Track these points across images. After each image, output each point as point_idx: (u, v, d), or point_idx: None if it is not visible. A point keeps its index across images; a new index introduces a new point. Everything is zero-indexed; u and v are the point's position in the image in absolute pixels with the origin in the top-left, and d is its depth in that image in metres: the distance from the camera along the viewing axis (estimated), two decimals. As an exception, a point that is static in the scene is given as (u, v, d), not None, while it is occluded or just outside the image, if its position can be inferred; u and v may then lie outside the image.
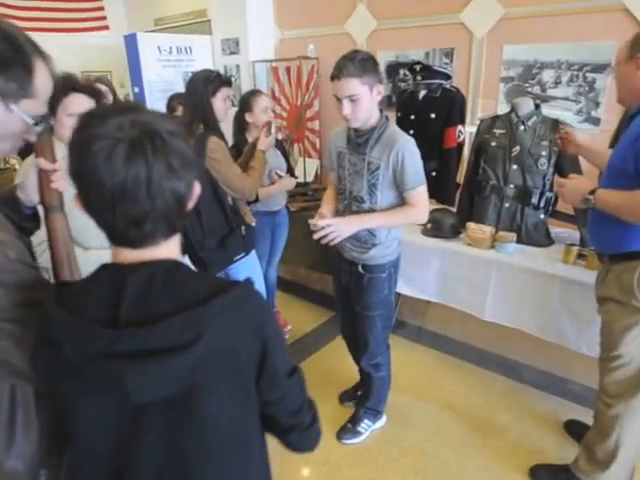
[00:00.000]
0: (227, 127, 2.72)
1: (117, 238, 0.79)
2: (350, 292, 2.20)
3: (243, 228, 2.31)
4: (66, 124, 1.72)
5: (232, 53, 4.52)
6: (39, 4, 5.07)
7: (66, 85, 1.73)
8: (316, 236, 1.82)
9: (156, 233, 0.77)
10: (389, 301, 2.17)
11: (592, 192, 1.76)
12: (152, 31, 5.23)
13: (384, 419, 2.55)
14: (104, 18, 5.34)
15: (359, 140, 1.89)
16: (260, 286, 2.51)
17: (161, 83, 4.38)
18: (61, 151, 1.73)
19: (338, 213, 2.09)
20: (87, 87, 1.78)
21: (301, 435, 0.94)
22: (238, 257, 2.31)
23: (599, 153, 2.16)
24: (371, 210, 1.95)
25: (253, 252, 2.45)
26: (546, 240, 2.67)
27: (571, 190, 1.85)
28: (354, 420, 2.48)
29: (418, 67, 2.78)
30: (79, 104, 1.73)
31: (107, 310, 0.76)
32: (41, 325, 0.80)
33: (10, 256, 0.94)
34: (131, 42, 4.21)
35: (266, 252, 3.00)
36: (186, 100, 2.28)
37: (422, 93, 2.81)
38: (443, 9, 3.60)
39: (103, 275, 0.81)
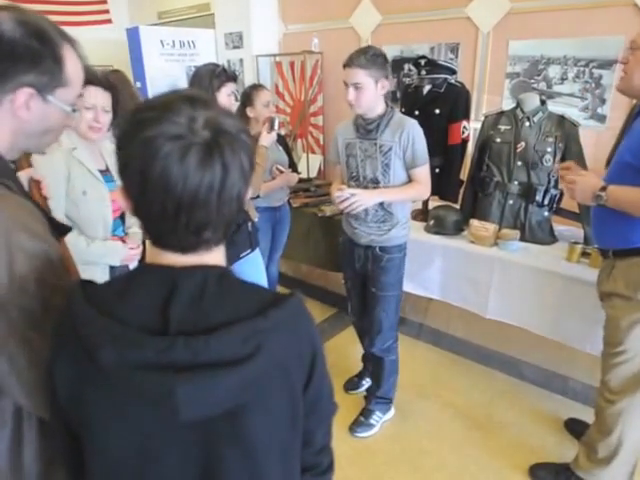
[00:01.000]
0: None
1: (167, 243, 0.72)
2: (367, 276, 2.32)
3: (250, 224, 2.30)
4: (82, 117, 1.75)
5: (235, 47, 4.51)
6: (42, -3, 5.06)
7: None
8: (341, 206, 2.03)
9: (212, 240, 0.72)
10: (402, 282, 2.36)
11: (603, 189, 1.75)
12: (155, 25, 5.22)
13: (392, 410, 2.57)
14: (106, 11, 5.33)
15: (369, 127, 2.09)
16: (263, 282, 2.51)
17: (164, 77, 4.38)
18: (77, 143, 1.75)
19: None
20: (103, 80, 1.80)
21: (314, 479, 0.88)
22: (245, 253, 2.32)
23: None
24: (386, 189, 2.14)
25: (257, 250, 2.45)
26: (550, 238, 2.67)
27: (582, 187, 1.83)
28: (366, 413, 2.52)
29: (423, 62, 2.77)
30: (96, 96, 1.76)
31: (154, 316, 0.69)
32: (63, 328, 0.73)
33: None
34: (134, 36, 4.21)
35: (267, 248, 3.00)
36: None
37: (426, 88, 2.79)
38: (449, 3, 3.59)
39: (148, 277, 0.73)
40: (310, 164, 4.50)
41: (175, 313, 0.68)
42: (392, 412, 2.57)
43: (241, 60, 4.55)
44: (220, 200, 0.66)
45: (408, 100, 2.91)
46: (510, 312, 2.59)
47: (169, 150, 0.63)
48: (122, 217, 2.01)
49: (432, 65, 2.75)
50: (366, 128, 2.11)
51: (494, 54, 3.45)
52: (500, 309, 2.61)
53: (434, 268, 2.80)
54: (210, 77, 2.20)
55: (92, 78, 1.73)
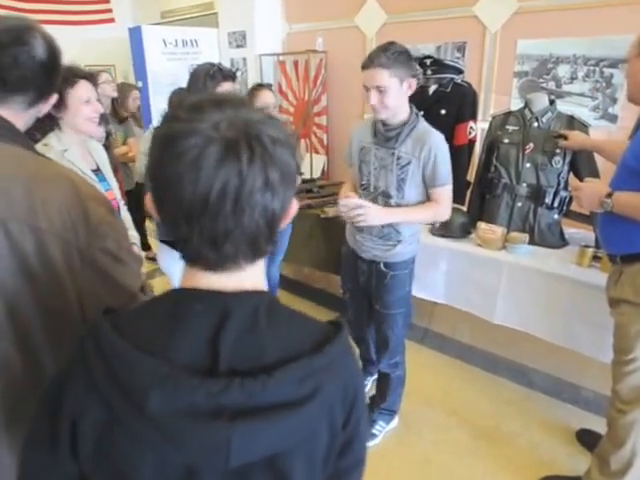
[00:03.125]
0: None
1: (191, 256, 0.66)
2: (370, 292, 2.20)
3: None
4: (82, 112, 1.73)
5: (239, 46, 4.49)
6: (43, -4, 5.06)
7: (71, 75, 1.72)
8: (347, 215, 1.86)
9: (238, 256, 0.64)
10: (409, 298, 2.22)
11: (609, 195, 1.73)
12: (158, 24, 5.21)
13: (396, 420, 2.51)
14: (110, 11, 5.32)
15: (389, 134, 1.89)
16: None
17: (166, 76, 4.36)
18: (71, 143, 1.72)
19: None
20: (85, 72, 1.79)
21: None
22: None
23: (607, 147, 2.21)
24: (398, 205, 1.97)
25: None
26: (560, 241, 2.61)
27: (587, 194, 1.82)
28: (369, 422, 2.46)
29: (428, 61, 2.73)
30: (88, 89, 1.75)
31: (201, 350, 0.62)
32: (90, 366, 0.64)
33: None
34: (136, 35, 4.19)
35: None
36: (188, 95, 2.23)
37: (432, 88, 2.75)
38: (455, 2, 3.55)
39: (194, 304, 0.65)
40: (314, 164, 4.46)
41: (226, 348, 0.61)
42: (396, 421, 2.51)
43: (244, 59, 4.53)
44: (236, 208, 0.59)
45: (413, 100, 2.84)
46: (518, 317, 2.53)
47: (183, 149, 0.58)
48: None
49: (438, 65, 2.71)
50: (385, 135, 1.92)
51: (502, 53, 3.41)
52: (508, 314, 2.56)
53: (440, 271, 2.75)
54: (204, 78, 2.13)
55: (77, 72, 1.72)
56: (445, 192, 1.95)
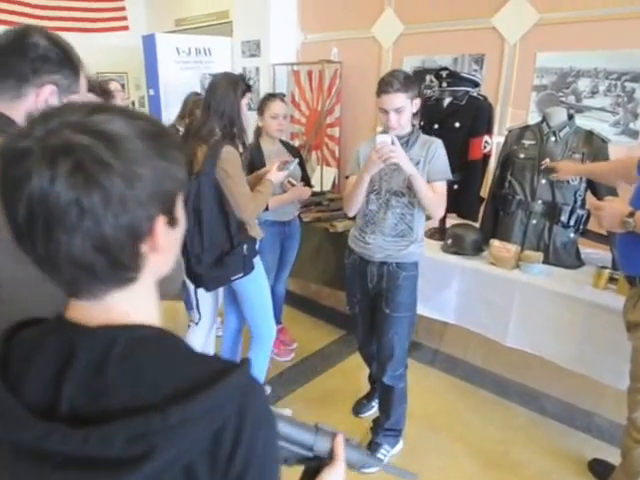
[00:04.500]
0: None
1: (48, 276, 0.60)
2: (380, 295, 2.26)
3: (245, 247, 2.19)
4: None
5: (252, 55, 4.52)
6: (59, 3, 5.16)
7: None
8: (380, 152, 1.95)
9: (78, 283, 0.59)
10: (416, 304, 2.31)
11: (631, 214, 1.70)
12: (172, 32, 5.28)
13: (401, 443, 2.46)
14: (125, 18, 5.42)
15: (399, 142, 2.08)
16: (267, 302, 2.43)
17: (178, 85, 4.39)
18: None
19: (371, 213, 2.22)
20: (95, 86, 1.78)
21: None
22: (236, 277, 2.21)
23: (602, 170, 2.21)
24: (410, 203, 2.15)
25: (260, 265, 2.38)
26: (576, 261, 2.56)
27: (609, 213, 1.78)
28: (373, 446, 2.40)
29: (444, 73, 2.71)
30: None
31: (47, 389, 0.58)
32: None
33: None
34: (149, 43, 4.25)
35: (274, 265, 2.92)
36: (209, 105, 2.13)
37: (447, 101, 2.73)
38: (474, 13, 3.54)
39: (49, 339, 0.61)
40: (324, 177, 4.45)
41: (69, 388, 0.57)
42: (400, 445, 2.46)
43: (257, 69, 4.56)
44: (48, 234, 0.53)
45: (428, 113, 2.84)
46: (531, 340, 2.48)
47: (4, 156, 0.54)
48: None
49: (454, 77, 2.69)
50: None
51: (521, 66, 3.38)
52: (520, 336, 2.50)
53: (450, 290, 2.71)
54: (235, 87, 2.11)
55: (89, 85, 1.71)
56: (441, 187, 2.16)
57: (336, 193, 4.22)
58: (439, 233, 2.94)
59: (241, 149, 2.17)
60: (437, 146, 2.16)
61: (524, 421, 2.63)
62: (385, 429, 2.41)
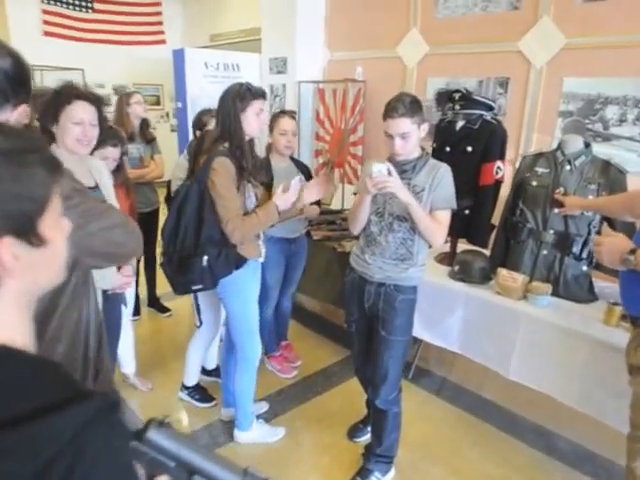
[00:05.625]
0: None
1: None
2: (377, 317, 2.21)
3: (205, 258, 2.12)
4: (70, 132, 1.76)
5: (279, 72, 4.58)
6: (100, 17, 5.39)
7: (69, 93, 1.77)
8: (375, 181, 1.92)
9: None
10: (412, 328, 2.26)
11: (632, 252, 1.61)
12: (207, 47, 5.41)
13: (393, 471, 2.39)
14: (162, 32, 5.61)
15: (405, 167, 2.09)
16: (251, 323, 2.38)
17: (205, 99, 4.50)
18: (64, 160, 1.78)
19: (372, 234, 2.18)
20: (89, 93, 1.82)
21: None
22: (196, 287, 2.20)
23: (610, 204, 2.11)
24: (412, 228, 2.10)
25: (248, 285, 2.33)
26: (588, 295, 2.46)
27: (609, 249, 1.71)
28: (364, 473, 2.34)
29: (457, 95, 2.67)
30: (84, 111, 1.78)
31: None
32: None
33: None
34: (179, 57, 4.37)
35: (278, 282, 2.92)
36: (217, 116, 2.21)
37: (460, 124, 2.68)
38: (500, 36, 3.50)
39: None
40: (346, 195, 4.45)
41: None
42: (392, 473, 2.39)
43: (284, 85, 4.62)
44: None
45: (441, 136, 2.81)
46: (534, 375, 2.38)
47: None
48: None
49: (466, 100, 2.65)
50: (402, 168, 2.08)
51: (546, 91, 3.32)
52: (523, 370, 2.41)
53: (455, 318, 2.64)
54: (234, 98, 2.11)
55: (79, 93, 1.76)
56: (444, 216, 2.10)
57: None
58: (449, 258, 2.88)
59: (247, 162, 2.16)
60: (443, 173, 2.09)
61: (528, 460, 2.51)
62: (377, 455, 2.35)
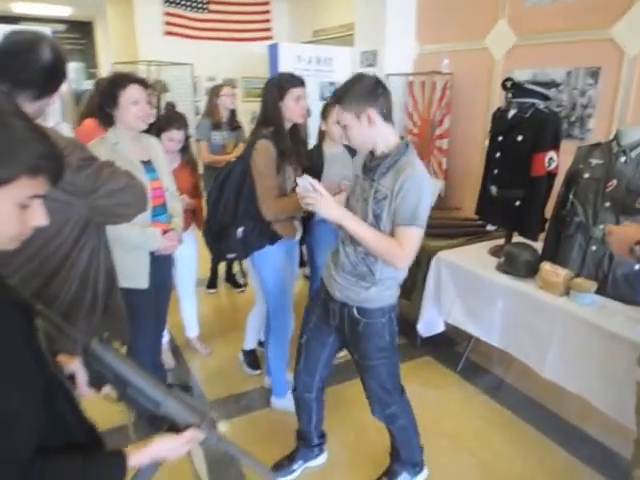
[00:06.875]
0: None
1: None
2: (345, 338, 2.02)
3: (240, 230, 2.34)
4: (130, 110, 2.11)
5: (369, 65, 4.73)
6: (214, 17, 5.96)
7: (124, 79, 2.12)
8: (300, 196, 1.77)
9: None
10: (393, 346, 1.99)
11: (639, 242, 1.58)
12: (308, 42, 5.72)
13: (425, 473, 2.29)
14: (269, 29, 6.03)
15: (371, 164, 1.80)
16: (280, 297, 2.56)
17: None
18: (124, 138, 2.12)
19: (338, 244, 1.97)
20: (139, 78, 2.17)
21: None
22: (230, 256, 2.44)
23: None
24: None
25: (277, 261, 2.50)
26: (638, 296, 2.32)
27: (618, 238, 1.69)
28: (390, 474, 2.26)
29: (508, 83, 2.64)
30: (138, 92, 2.12)
31: None
32: None
33: None
34: (273, 51, 4.70)
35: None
36: (261, 103, 2.44)
37: (511, 112, 2.65)
38: (590, 24, 3.36)
39: None
40: (428, 189, 4.48)
41: None
42: (425, 473, 2.30)
43: (373, 78, 4.76)
44: None
45: (494, 125, 2.79)
46: (570, 376, 2.32)
47: None
48: (164, 205, 2.34)
49: (518, 88, 2.61)
50: (369, 165, 1.82)
51: (640, 81, 3.13)
52: (559, 370, 2.35)
53: (496, 311, 2.63)
54: (272, 87, 2.35)
55: (131, 78, 2.10)
56: (406, 234, 1.72)
57: (443, 207, 4.25)
58: (501, 251, 2.85)
59: (287, 146, 2.36)
60: (407, 180, 1.67)
61: (562, 466, 2.43)
62: (401, 459, 2.24)
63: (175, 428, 1.03)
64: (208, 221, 2.47)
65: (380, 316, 1.91)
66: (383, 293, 1.89)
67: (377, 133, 1.74)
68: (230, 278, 4.25)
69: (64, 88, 1.56)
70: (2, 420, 0.78)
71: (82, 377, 1.13)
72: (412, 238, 1.73)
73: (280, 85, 2.37)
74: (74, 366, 1.11)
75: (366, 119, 1.70)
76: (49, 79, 1.45)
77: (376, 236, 1.74)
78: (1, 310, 0.80)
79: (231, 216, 2.38)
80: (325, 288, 2.02)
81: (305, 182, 1.74)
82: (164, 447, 1.01)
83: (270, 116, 2.35)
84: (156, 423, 1.06)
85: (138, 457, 0.97)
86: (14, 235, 0.83)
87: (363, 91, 1.69)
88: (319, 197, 1.72)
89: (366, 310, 1.90)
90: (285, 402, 2.71)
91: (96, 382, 1.14)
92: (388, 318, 1.93)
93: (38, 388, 0.85)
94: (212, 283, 4.11)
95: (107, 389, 1.10)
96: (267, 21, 6.11)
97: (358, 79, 1.73)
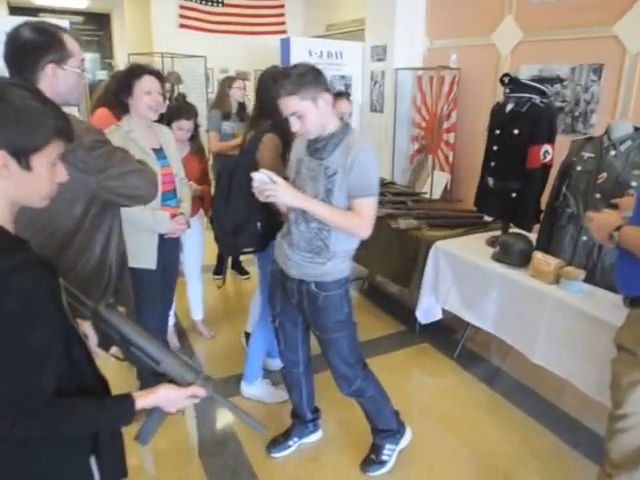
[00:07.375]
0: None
1: None
2: (305, 315, 2.13)
3: (259, 225, 2.38)
4: (144, 100, 2.25)
5: (379, 59, 4.85)
6: (228, 10, 6.11)
7: (139, 70, 2.27)
8: (258, 190, 1.85)
9: None
10: (351, 319, 2.13)
11: (618, 228, 1.67)
12: (321, 36, 5.85)
13: (408, 434, 2.44)
14: (283, 23, 6.17)
15: (317, 145, 1.92)
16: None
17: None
18: (137, 126, 2.27)
19: (289, 222, 2.08)
20: (153, 70, 2.31)
21: None
22: (247, 250, 2.49)
23: None
24: None
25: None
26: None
27: (598, 225, 1.77)
28: (375, 449, 2.37)
29: (506, 79, 2.75)
30: (151, 82, 2.26)
31: None
32: None
33: None
34: (285, 45, 4.84)
35: None
36: (256, 96, 2.58)
37: (509, 107, 2.76)
38: (594, 21, 3.45)
39: None
40: (435, 182, 4.60)
41: None
42: (408, 435, 2.45)
43: (383, 72, 4.87)
44: None
45: (492, 119, 2.90)
46: (557, 360, 2.43)
47: None
48: (174, 191, 2.49)
49: (515, 83, 2.71)
50: (314, 146, 1.94)
51: (642, 78, 3.22)
52: (548, 355, 2.47)
53: (490, 298, 2.75)
54: (268, 81, 2.43)
55: (145, 69, 2.24)
56: (363, 204, 1.87)
57: (447, 201, 4.36)
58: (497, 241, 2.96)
59: (289, 138, 2.48)
60: (358, 153, 1.83)
61: (549, 448, 2.53)
62: (379, 430, 2.36)
63: (175, 385, 1.18)
64: (217, 217, 2.49)
65: (337, 288, 2.03)
66: (339, 266, 2.01)
67: (330, 115, 1.88)
68: (236, 265, 4.40)
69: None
70: (40, 354, 0.93)
71: (93, 338, 1.28)
72: (370, 207, 1.89)
73: (274, 78, 2.47)
74: (85, 328, 1.26)
75: (323, 102, 1.81)
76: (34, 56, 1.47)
77: (337, 212, 1.88)
78: (34, 263, 0.94)
79: (245, 211, 2.39)
80: (279, 268, 2.13)
81: (261, 176, 1.81)
82: (168, 396, 1.15)
83: (267, 109, 2.43)
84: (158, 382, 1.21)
85: (144, 401, 1.11)
86: (48, 192, 1.02)
87: (311, 78, 1.79)
88: (278, 187, 1.82)
89: (324, 284, 2.01)
90: (254, 390, 2.81)
91: (104, 343, 1.30)
92: (345, 290, 2.07)
93: (61, 333, 1.00)
94: (218, 269, 4.26)
95: (114, 349, 1.26)
96: (281, 15, 6.25)
97: (300, 69, 1.81)
